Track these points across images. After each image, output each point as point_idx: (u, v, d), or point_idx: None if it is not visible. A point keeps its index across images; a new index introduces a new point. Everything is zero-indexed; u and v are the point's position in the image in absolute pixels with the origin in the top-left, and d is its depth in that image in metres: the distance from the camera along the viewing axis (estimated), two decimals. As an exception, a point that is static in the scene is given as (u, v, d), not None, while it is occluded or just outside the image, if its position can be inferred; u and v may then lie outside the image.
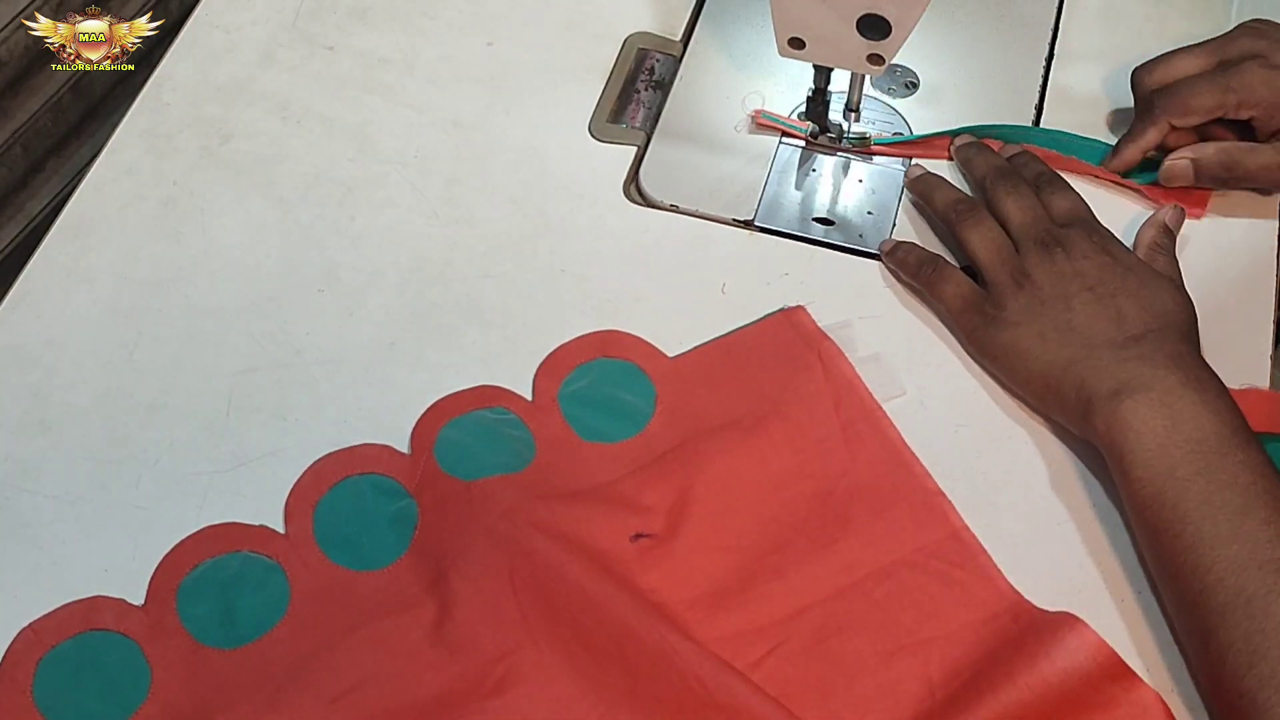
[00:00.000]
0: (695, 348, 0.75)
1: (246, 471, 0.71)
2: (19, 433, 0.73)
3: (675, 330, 0.76)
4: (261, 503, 0.70)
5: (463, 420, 0.72)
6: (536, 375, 0.74)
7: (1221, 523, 0.63)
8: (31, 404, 0.74)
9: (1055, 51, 0.88)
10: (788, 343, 0.75)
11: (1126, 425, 0.66)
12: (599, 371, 0.74)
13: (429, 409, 0.72)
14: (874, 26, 0.73)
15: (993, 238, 0.76)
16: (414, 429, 0.72)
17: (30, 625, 0.65)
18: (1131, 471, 0.66)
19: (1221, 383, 0.68)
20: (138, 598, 0.67)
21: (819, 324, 0.75)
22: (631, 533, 0.67)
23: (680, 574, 0.67)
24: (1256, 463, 0.65)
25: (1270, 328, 0.77)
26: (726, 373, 0.74)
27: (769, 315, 0.76)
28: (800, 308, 0.76)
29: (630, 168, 0.83)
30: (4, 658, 0.65)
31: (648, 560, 0.67)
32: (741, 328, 0.76)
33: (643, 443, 0.72)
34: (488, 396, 0.73)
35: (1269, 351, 0.76)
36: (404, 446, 0.72)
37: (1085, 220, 0.76)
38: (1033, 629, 0.65)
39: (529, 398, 0.73)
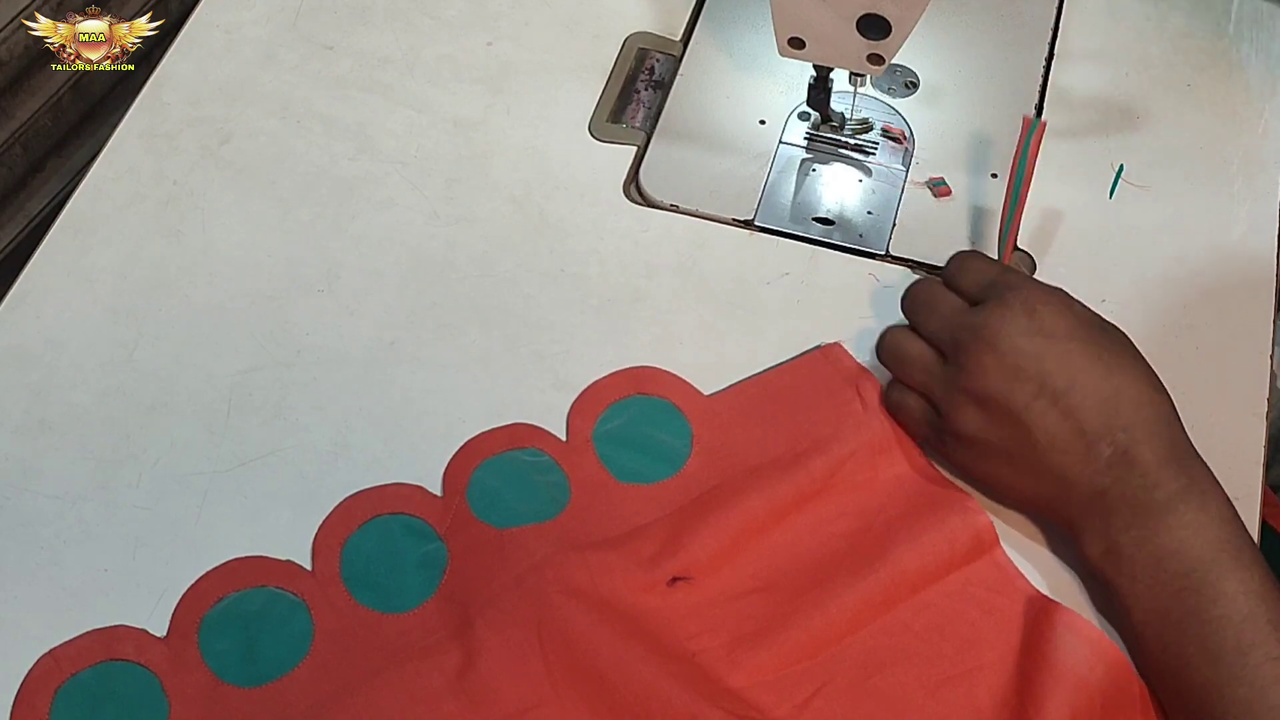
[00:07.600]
0: (731, 385, 0.74)
1: (246, 471, 0.71)
2: (19, 433, 0.72)
3: (675, 329, 0.76)
4: (261, 503, 0.70)
5: (496, 461, 0.70)
6: (570, 413, 0.72)
7: (1223, 669, 0.60)
8: (31, 404, 0.73)
9: (1055, 51, 0.88)
10: (826, 379, 0.73)
11: (1116, 566, 0.64)
12: (634, 410, 0.73)
13: (462, 447, 0.71)
14: (874, 26, 0.73)
15: (917, 354, 0.69)
16: (446, 469, 0.70)
17: (50, 652, 0.64)
18: (1131, 614, 0.64)
19: (1208, 480, 0.64)
20: (138, 598, 0.67)
21: (856, 359, 0.74)
22: (669, 576, 0.66)
23: (720, 616, 0.65)
24: (1251, 589, 0.61)
25: (1270, 328, 0.77)
26: (764, 411, 0.72)
27: (806, 353, 0.75)
28: (837, 344, 0.75)
29: (630, 167, 0.83)
30: (22, 684, 0.64)
31: (687, 604, 0.65)
32: (778, 365, 0.74)
33: (679, 484, 0.70)
34: (521, 436, 0.71)
35: (1269, 352, 0.76)
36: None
37: (998, 285, 0.67)
38: (1079, 652, 0.63)
39: (559, 435, 0.72)
